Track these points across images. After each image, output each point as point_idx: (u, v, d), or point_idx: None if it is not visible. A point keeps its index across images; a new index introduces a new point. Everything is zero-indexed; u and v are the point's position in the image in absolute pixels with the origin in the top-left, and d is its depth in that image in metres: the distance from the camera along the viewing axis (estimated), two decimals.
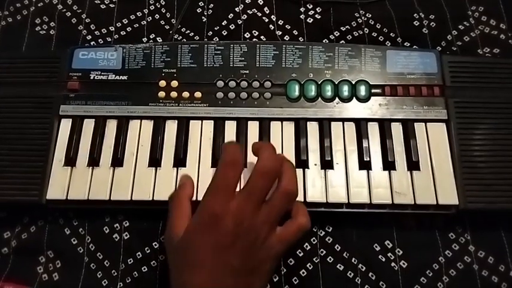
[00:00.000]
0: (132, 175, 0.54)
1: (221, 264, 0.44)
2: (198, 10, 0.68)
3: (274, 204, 0.45)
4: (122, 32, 0.67)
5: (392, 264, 0.54)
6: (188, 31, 0.67)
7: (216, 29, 0.67)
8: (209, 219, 0.44)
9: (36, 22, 0.68)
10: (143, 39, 0.67)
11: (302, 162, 0.54)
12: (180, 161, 0.55)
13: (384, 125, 0.56)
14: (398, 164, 0.54)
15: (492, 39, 0.65)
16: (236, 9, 0.68)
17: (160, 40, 0.66)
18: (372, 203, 0.52)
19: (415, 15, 0.67)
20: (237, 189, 0.46)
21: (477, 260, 0.54)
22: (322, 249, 0.55)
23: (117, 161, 0.55)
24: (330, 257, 0.55)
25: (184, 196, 0.49)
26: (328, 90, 0.57)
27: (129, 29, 0.67)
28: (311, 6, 0.68)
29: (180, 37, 0.67)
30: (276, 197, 0.45)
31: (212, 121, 0.57)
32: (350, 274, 0.54)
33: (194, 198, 0.52)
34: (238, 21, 0.67)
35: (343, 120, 0.57)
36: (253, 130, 0.56)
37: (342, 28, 0.66)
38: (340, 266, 0.54)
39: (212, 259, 0.43)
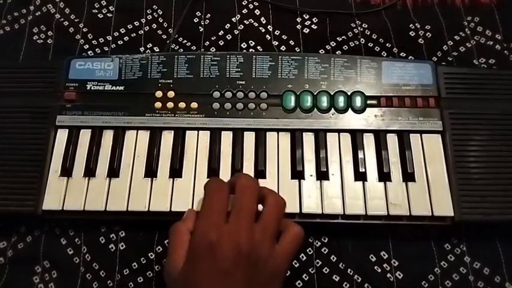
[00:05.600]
0: (128, 186, 0.54)
1: None
2: (195, 20, 0.69)
3: (266, 217, 0.45)
4: (119, 42, 0.68)
5: (388, 275, 0.54)
6: (185, 41, 0.67)
7: (212, 39, 0.67)
8: (206, 247, 0.43)
9: (34, 31, 0.68)
10: (140, 48, 0.67)
11: (298, 173, 0.54)
12: (176, 171, 0.55)
13: (380, 136, 0.56)
14: (393, 175, 0.54)
15: (488, 50, 0.66)
16: (233, 19, 0.68)
17: (158, 50, 0.67)
18: (368, 214, 0.52)
19: (411, 25, 0.67)
20: None
21: (473, 271, 0.54)
22: (318, 260, 0.55)
23: (113, 171, 0.55)
24: (325, 267, 0.55)
25: (184, 229, 0.47)
26: (324, 101, 0.57)
27: (126, 38, 0.68)
28: (307, 16, 0.69)
29: (177, 47, 0.67)
30: (267, 210, 0.46)
31: (208, 132, 0.57)
32: (346, 285, 0.54)
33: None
34: (235, 31, 0.68)
35: (339, 131, 0.57)
36: (249, 141, 0.56)
37: (338, 38, 0.67)
38: (336, 277, 0.54)
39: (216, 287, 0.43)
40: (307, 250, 0.55)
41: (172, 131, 0.57)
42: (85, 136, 0.57)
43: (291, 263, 0.47)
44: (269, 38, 0.67)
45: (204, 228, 0.44)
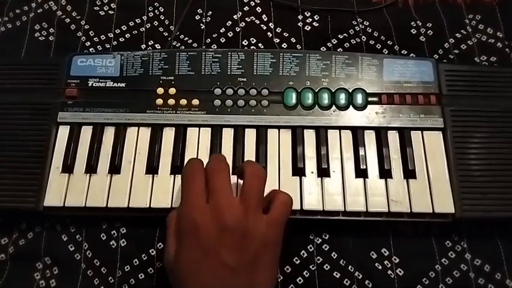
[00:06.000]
0: (129, 182, 0.54)
1: (217, 267, 0.43)
2: (196, 17, 0.69)
3: (246, 189, 0.45)
4: (120, 39, 0.68)
5: (389, 272, 0.54)
6: (186, 38, 0.67)
7: (214, 36, 0.67)
8: (191, 227, 0.44)
9: (36, 28, 0.68)
10: (142, 45, 0.67)
11: (299, 170, 0.54)
12: (177, 168, 0.55)
13: (381, 133, 0.56)
14: (394, 172, 0.54)
15: (489, 48, 0.66)
16: (234, 16, 0.69)
17: (159, 47, 0.67)
18: (368, 211, 0.52)
19: (412, 23, 0.67)
20: None
21: (473, 268, 0.54)
22: (318, 257, 0.55)
23: (115, 168, 0.55)
24: (326, 264, 0.55)
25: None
26: (325, 98, 0.57)
27: (127, 35, 0.68)
28: (309, 14, 0.69)
29: (179, 44, 0.67)
30: (246, 183, 0.45)
31: (209, 128, 0.57)
32: (347, 282, 0.54)
33: None
34: (236, 28, 0.68)
35: (340, 128, 0.57)
36: (250, 138, 0.56)
37: (339, 36, 0.67)
38: (336, 274, 0.54)
39: (206, 266, 0.43)
40: (308, 247, 0.55)
41: (174, 128, 0.57)
42: (86, 133, 0.57)
43: (282, 231, 0.46)
44: (270, 35, 0.67)
45: (187, 210, 0.45)
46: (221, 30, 0.68)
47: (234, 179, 0.52)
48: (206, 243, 0.43)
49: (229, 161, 0.55)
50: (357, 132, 0.56)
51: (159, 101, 0.58)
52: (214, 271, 0.43)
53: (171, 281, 0.46)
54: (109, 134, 0.57)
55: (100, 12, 0.70)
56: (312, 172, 0.55)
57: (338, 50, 0.66)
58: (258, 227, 0.44)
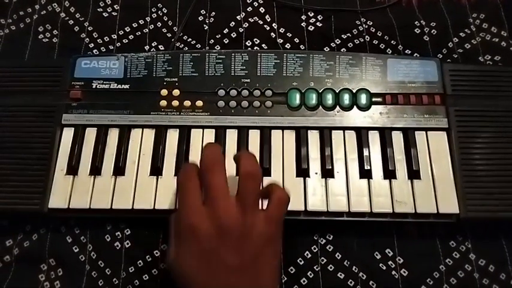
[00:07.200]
0: (133, 184, 0.54)
1: (218, 269, 0.43)
2: (199, 18, 0.69)
3: (242, 188, 0.45)
4: (124, 40, 0.68)
5: (393, 272, 0.54)
6: (190, 39, 0.68)
7: (217, 37, 0.67)
8: (188, 232, 0.44)
9: (39, 30, 0.69)
10: (145, 47, 0.67)
11: (303, 171, 0.54)
12: None
13: (385, 134, 0.56)
14: (398, 172, 0.54)
15: (493, 47, 0.65)
16: (238, 17, 0.68)
17: (162, 48, 0.67)
18: (373, 212, 0.52)
19: (416, 22, 0.67)
20: None
21: (478, 269, 0.54)
22: (322, 258, 0.55)
23: (119, 169, 0.55)
24: (330, 265, 0.55)
25: None
26: (329, 99, 0.57)
27: (131, 37, 0.68)
28: (312, 14, 0.69)
29: (182, 45, 0.67)
30: (241, 182, 0.45)
31: (213, 130, 0.57)
32: (351, 282, 0.54)
33: None
34: (239, 29, 0.68)
35: (344, 128, 0.57)
36: (254, 139, 0.57)
37: (343, 36, 0.67)
38: (340, 275, 0.54)
39: (207, 268, 0.43)
40: (312, 248, 0.55)
41: (178, 129, 0.57)
42: (91, 134, 0.57)
43: (281, 227, 0.46)
44: (274, 35, 0.67)
45: (184, 213, 0.45)
46: (224, 31, 0.68)
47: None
48: (205, 245, 0.43)
49: (234, 162, 0.54)
50: (361, 133, 0.56)
51: (163, 103, 0.58)
52: (215, 273, 0.43)
53: (175, 281, 0.46)
54: (113, 135, 0.57)
55: (103, 14, 0.70)
56: (316, 173, 0.55)
57: (341, 50, 0.66)
58: (256, 225, 0.44)
